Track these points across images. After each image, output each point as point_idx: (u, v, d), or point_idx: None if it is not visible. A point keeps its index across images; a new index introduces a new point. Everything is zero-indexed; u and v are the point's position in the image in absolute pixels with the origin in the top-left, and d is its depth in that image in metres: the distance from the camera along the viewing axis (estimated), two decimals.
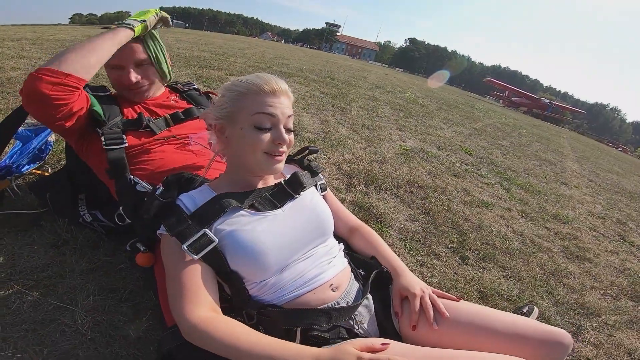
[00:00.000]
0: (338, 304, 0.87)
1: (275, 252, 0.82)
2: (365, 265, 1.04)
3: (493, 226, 2.29)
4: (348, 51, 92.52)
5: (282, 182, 0.95)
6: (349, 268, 0.98)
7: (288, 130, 0.87)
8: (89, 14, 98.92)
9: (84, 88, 1.13)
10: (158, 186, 0.88)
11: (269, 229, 0.85)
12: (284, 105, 0.86)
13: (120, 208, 1.16)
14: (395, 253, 1.65)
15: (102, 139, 1.13)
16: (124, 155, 1.13)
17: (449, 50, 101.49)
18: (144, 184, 1.09)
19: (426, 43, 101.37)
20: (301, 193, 0.96)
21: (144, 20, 1.20)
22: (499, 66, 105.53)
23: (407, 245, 1.81)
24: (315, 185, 1.07)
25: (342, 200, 2.12)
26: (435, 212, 2.22)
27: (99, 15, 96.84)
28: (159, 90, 1.37)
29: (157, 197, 0.85)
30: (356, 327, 0.88)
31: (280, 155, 0.87)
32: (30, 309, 1.05)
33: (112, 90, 1.33)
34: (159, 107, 1.32)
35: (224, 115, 0.87)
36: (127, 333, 1.04)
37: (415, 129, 4.68)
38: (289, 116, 0.87)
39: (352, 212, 1.98)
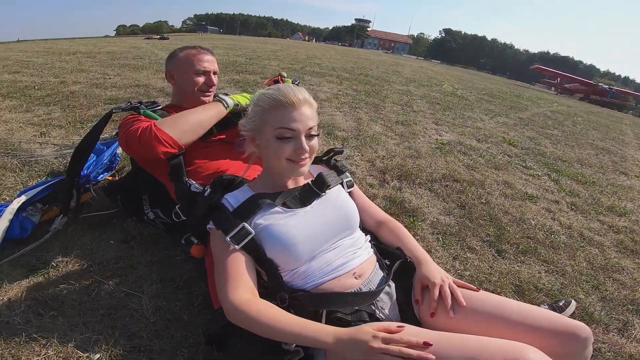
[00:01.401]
0: (361, 290, 0.94)
1: (304, 243, 0.92)
2: (391, 256, 1.09)
3: (536, 219, 2.19)
4: (381, 46, 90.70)
5: (310, 182, 1.04)
6: (374, 258, 1.04)
7: (311, 137, 0.95)
8: (132, 25, 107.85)
9: (140, 104, 1.35)
10: (206, 188, 1.03)
11: (299, 223, 0.95)
12: (304, 116, 0.93)
13: (177, 207, 1.32)
14: (427, 247, 1.70)
15: None
16: (182, 162, 1.29)
17: (489, 39, 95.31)
18: (196, 185, 1.25)
19: (462, 33, 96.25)
20: (327, 191, 1.05)
21: (237, 104, 1.45)
22: (547, 52, 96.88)
23: (440, 239, 1.81)
24: (342, 183, 1.15)
25: (374, 196, 2.17)
26: (472, 206, 2.18)
27: (140, 25, 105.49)
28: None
29: (206, 198, 0.99)
30: (377, 312, 0.94)
31: (303, 161, 0.95)
32: (106, 296, 1.23)
33: (162, 104, 1.52)
34: None
35: (253, 127, 0.97)
36: (182, 317, 1.19)
37: (453, 122, 4.53)
38: (310, 127, 0.94)
39: (385, 207, 2.03)
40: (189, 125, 1.26)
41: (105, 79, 4.66)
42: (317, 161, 1.25)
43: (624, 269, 1.83)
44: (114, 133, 2.25)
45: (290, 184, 1.04)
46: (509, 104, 7.63)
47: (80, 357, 1.01)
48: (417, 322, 0.96)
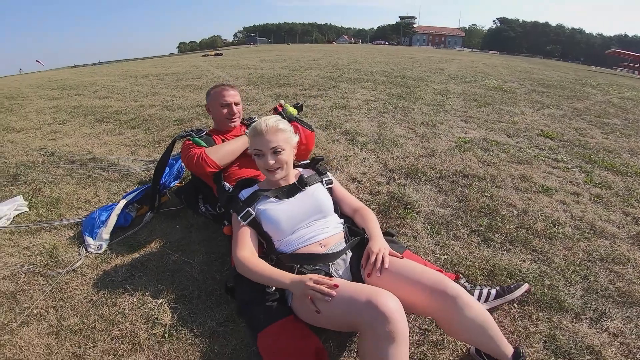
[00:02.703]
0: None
1: (287, 222, 1.34)
2: (356, 234, 1.42)
3: (542, 211, 2.20)
4: (430, 41, 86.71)
5: (295, 182, 1.47)
6: (341, 235, 1.39)
7: (277, 152, 1.36)
8: (190, 42, 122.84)
9: (192, 131, 1.95)
10: (231, 187, 1.57)
11: (285, 209, 1.37)
12: (268, 140, 1.35)
13: (218, 202, 1.86)
14: (414, 234, 1.92)
15: None
16: (221, 172, 1.84)
17: (552, 25, 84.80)
18: (229, 186, 1.77)
19: (521, 20, 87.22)
20: (306, 187, 1.46)
21: None
22: (625, 35, 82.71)
23: (429, 228, 1.97)
24: (322, 182, 1.54)
25: (378, 192, 2.40)
26: (471, 199, 2.27)
27: (198, 41, 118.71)
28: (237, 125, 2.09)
29: (230, 193, 1.52)
30: (333, 271, 1.27)
31: (275, 170, 1.38)
32: (171, 263, 1.75)
33: (207, 128, 2.09)
34: (234, 136, 2.02)
35: (250, 148, 1.43)
36: (215, 276, 1.65)
37: (486, 119, 4.46)
38: (272, 147, 1.35)
39: (384, 201, 2.26)
40: (225, 153, 1.83)
41: (173, 101, 5.57)
42: (307, 166, 1.65)
43: (629, 261, 1.79)
44: (179, 152, 2.88)
45: (282, 183, 1.46)
46: (566, 94, 7.02)
47: (150, 301, 1.50)
48: (362, 281, 1.23)
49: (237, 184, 1.53)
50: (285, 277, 1.16)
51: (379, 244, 1.26)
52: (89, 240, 1.87)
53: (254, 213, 1.37)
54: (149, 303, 1.48)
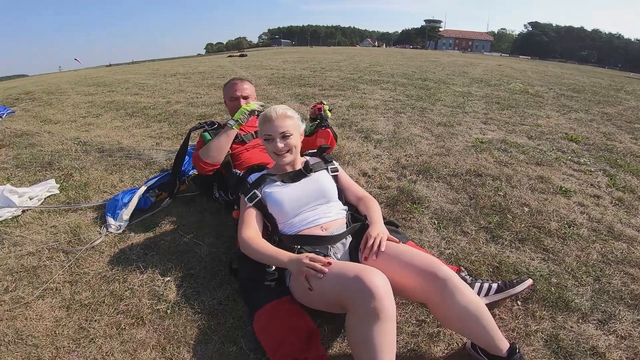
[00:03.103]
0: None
1: (290, 205, 1.40)
2: (359, 221, 1.45)
3: (558, 212, 2.14)
4: (457, 45, 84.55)
5: (301, 168, 1.52)
6: (343, 220, 1.42)
7: (285, 137, 1.43)
8: (217, 43, 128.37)
9: (205, 124, 2.07)
10: (241, 174, 1.63)
11: (289, 192, 1.44)
12: (278, 126, 1.43)
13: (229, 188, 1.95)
14: (420, 228, 1.92)
15: None
16: (230, 159, 1.98)
17: (588, 30, 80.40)
18: (240, 173, 1.85)
19: (554, 25, 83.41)
20: (311, 174, 1.51)
21: (237, 121, 1.92)
22: None
23: (436, 222, 1.96)
24: (327, 169, 1.57)
25: (388, 187, 2.41)
26: (482, 197, 2.24)
27: (224, 42, 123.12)
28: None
29: (239, 177, 1.63)
30: (331, 254, 1.31)
31: (283, 153, 1.45)
32: (183, 243, 1.85)
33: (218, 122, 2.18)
34: (249, 126, 2.12)
35: (260, 135, 1.51)
36: (221, 258, 1.72)
37: (507, 121, 4.34)
38: (281, 132, 1.43)
39: (393, 195, 2.27)
40: (212, 149, 1.88)
41: (198, 98, 5.78)
42: (314, 154, 1.70)
43: None
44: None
45: (289, 168, 1.52)
46: (597, 99, 6.71)
47: (158, 278, 1.59)
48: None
49: (247, 169, 1.62)
50: (284, 255, 1.21)
51: (377, 229, 1.29)
52: (110, 220, 2.00)
53: (260, 195, 1.44)
54: (157, 280, 1.57)
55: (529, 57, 48.26)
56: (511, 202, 2.21)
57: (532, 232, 1.91)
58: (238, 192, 1.54)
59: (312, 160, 1.60)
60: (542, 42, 79.56)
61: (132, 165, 2.89)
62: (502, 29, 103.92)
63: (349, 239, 1.37)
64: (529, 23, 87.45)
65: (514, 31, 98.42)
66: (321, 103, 2.11)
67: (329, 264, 1.08)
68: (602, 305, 1.45)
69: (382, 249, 1.18)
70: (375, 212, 1.42)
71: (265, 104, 2.00)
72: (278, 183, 1.46)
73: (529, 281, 1.42)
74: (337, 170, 1.61)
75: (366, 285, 0.95)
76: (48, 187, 2.43)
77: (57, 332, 1.30)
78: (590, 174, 2.81)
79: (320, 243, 1.31)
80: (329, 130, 2.01)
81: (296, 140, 1.47)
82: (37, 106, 5.82)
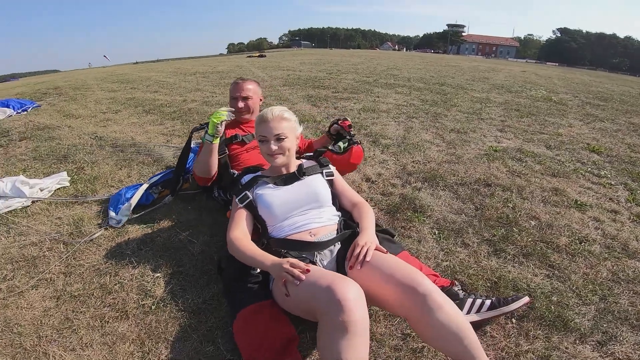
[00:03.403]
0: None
1: (280, 208, 1.37)
2: (351, 228, 1.40)
3: (571, 227, 2.02)
4: (480, 51, 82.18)
5: (295, 171, 1.50)
6: (334, 227, 1.38)
7: (280, 140, 1.42)
8: (239, 43, 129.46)
9: (205, 125, 1.98)
10: (237, 173, 1.63)
11: (280, 195, 1.41)
12: (273, 128, 1.41)
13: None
14: (419, 238, 1.84)
15: None
16: (227, 159, 1.98)
17: (620, 37, 76.37)
18: (237, 173, 1.83)
19: (584, 32, 79.77)
20: (304, 177, 1.48)
21: (213, 135, 1.76)
22: None
23: (436, 233, 1.89)
24: (322, 173, 1.55)
25: (391, 193, 2.35)
26: (488, 208, 2.15)
27: (245, 43, 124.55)
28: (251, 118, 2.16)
29: (233, 178, 1.59)
30: (318, 261, 1.27)
31: (276, 155, 1.43)
32: (178, 240, 1.86)
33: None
34: (250, 127, 2.12)
35: (256, 136, 1.50)
36: (213, 257, 1.72)
37: (525, 129, 4.17)
38: (276, 134, 1.41)
39: (395, 202, 2.21)
40: (199, 166, 1.87)
41: (213, 97, 5.88)
42: (310, 157, 1.68)
43: None
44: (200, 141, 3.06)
45: (283, 171, 1.50)
46: (626, 108, 6.36)
47: (148, 274, 1.60)
48: (345, 273, 1.21)
49: (243, 170, 1.61)
50: (267, 259, 1.19)
51: (366, 238, 1.24)
52: (112, 214, 2.04)
53: (251, 196, 1.42)
54: (147, 276, 1.58)
55: (557, 64, 46.54)
56: (520, 215, 2.11)
57: (538, 247, 1.81)
58: (231, 192, 1.53)
59: (307, 164, 1.57)
60: (570, 49, 76.47)
61: (141, 161, 2.95)
62: (528, 34, 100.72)
63: (338, 245, 1.33)
64: (557, 29, 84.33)
65: (542, 37, 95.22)
66: (345, 120, 2.07)
67: (308, 271, 1.05)
68: (604, 325, 1.36)
69: (368, 258, 1.14)
70: (368, 220, 1.37)
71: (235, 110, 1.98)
72: (270, 185, 1.44)
73: (526, 299, 1.33)
74: (333, 175, 1.57)
75: (336, 297, 0.91)
76: (59, 180, 2.51)
77: (43, 321, 1.32)
78: (610, 188, 2.65)
79: (306, 249, 1.28)
80: (360, 147, 2.00)
81: (291, 142, 1.45)
82: (62, 101, 6.07)
